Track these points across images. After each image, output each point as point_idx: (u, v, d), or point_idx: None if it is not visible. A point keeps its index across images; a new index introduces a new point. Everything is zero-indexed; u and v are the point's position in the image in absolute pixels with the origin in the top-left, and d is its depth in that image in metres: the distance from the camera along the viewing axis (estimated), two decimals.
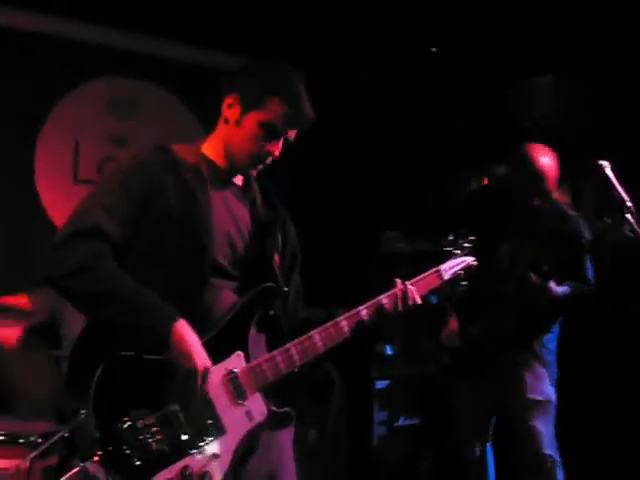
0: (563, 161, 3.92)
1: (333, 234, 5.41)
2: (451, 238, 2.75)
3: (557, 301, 3.80)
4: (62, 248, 2.28)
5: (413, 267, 4.98)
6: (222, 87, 2.50)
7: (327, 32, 5.21)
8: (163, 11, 5.00)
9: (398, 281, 2.55)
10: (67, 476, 2.96)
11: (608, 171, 3.20)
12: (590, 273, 3.91)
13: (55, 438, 3.16)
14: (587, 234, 3.92)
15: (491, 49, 5.26)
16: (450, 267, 2.66)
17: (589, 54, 5.02)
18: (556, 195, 4.14)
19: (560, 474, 3.83)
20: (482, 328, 3.92)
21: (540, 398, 3.88)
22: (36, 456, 3.15)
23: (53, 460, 3.26)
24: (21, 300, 3.82)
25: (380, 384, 5.33)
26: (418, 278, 2.59)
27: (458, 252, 2.71)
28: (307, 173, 5.17)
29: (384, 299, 2.50)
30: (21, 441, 3.27)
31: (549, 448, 3.83)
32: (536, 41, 5.08)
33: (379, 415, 5.28)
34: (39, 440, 3.24)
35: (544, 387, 3.91)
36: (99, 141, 5.19)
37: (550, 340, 3.95)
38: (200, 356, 2.25)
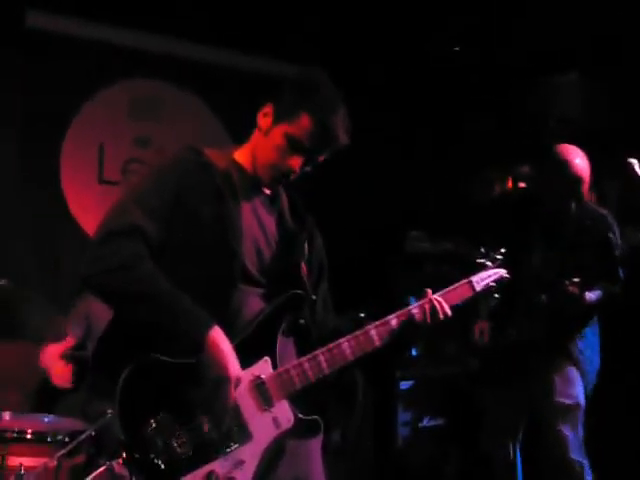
0: (589, 160, 3.87)
1: (358, 234, 5.40)
2: (483, 249, 2.72)
3: (590, 306, 3.77)
4: (102, 246, 2.26)
5: (437, 267, 5.00)
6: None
7: (346, 31, 5.20)
8: (184, 12, 5.03)
9: (429, 292, 2.49)
10: (94, 474, 2.99)
11: (637, 169, 3.18)
12: (622, 274, 3.86)
13: (82, 437, 3.18)
14: (617, 232, 3.85)
15: (515, 47, 5.22)
16: (482, 279, 2.60)
17: (615, 51, 4.98)
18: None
19: (589, 479, 3.79)
20: (514, 333, 3.89)
21: (569, 402, 3.84)
22: (63, 455, 3.17)
23: (80, 459, 3.28)
24: None
25: (404, 385, 5.32)
26: (449, 289, 2.53)
27: (490, 264, 2.67)
28: (331, 173, 5.16)
29: (414, 309, 2.45)
30: (49, 440, 3.29)
31: (576, 453, 3.79)
32: (561, 38, 5.04)
33: (403, 416, 5.27)
34: (66, 439, 3.26)
35: (573, 391, 3.86)
36: (123, 142, 5.23)
37: (587, 346, 3.90)
38: (233, 365, 2.22)
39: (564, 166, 3.74)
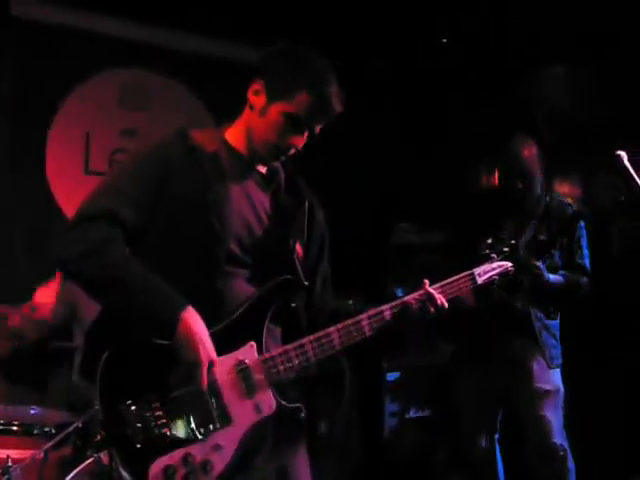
0: (577, 152, 3.89)
1: (347, 224, 5.39)
2: (489, 241, 2.66)
3: (550, 288, 3.83)
4: (73, 231, 2.26)
5: (426, 258, 5.01)
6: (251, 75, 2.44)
7: (343, 25, 5.18)
8: (173, 2, 4.99)
9: (426, 283, 2.45)
10: (81, 467, 2.98)
11: (626, 161, 3.18)
12: (587, 262, 3.96)
13: (69, 429, 3.17)
14: (583, 224, 4.02)
15: (503, 40, 5.23)
16: (485, 271, 2.56)
17: (602, 43, 4.99)
18: (565, 188, 4.16)
19: (571, 463, 3.83)
20: (494, 313, 3.91)
21: (548, 387, 3.87)
22: (51, 447, 3.15)
23: (67, 450, 3.27)
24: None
25: (391, 376, 5.33)
26: (448, 281, 2.49)
27: (495, 256, 2.62)
28: (321, 165, 5.16)
29: (410, 300, 2.42)
30: (36, 432, 3.27)
31: (559, 437, 3.83)
32: (548, 31, 5.05)
33: (390, 407, 5.28)
34: (53, 431, 3.25)
35: (552, 376, 3.91)
36: (110, 133, 5.20)
37: (549, 336, 3.95)
38: (205, 348, 2.20)
39: (508, 151, 4.02)
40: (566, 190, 4.98)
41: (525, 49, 5.24)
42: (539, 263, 3.78)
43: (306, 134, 2.40)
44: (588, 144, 4.89)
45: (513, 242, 2.68)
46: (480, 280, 2.55)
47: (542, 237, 3.93)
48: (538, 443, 3.84)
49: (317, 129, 2.41)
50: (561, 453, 3.80)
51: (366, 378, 5.18)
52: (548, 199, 4.05)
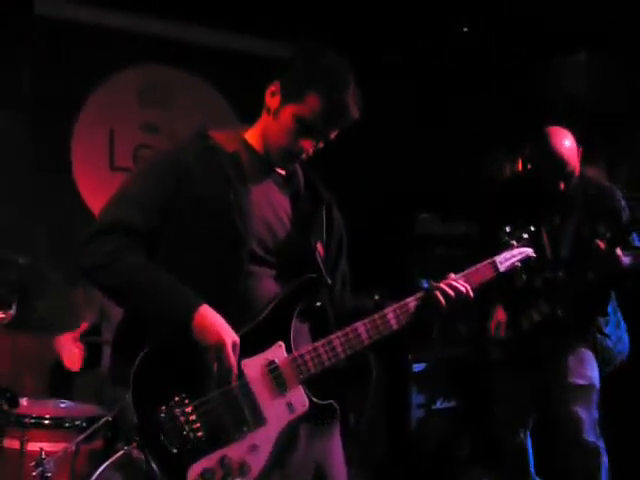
0: (598, 138, 3.86)
1: (369, 216, 5.40)
2: (508, 228, 2.65)
3: (626, 270, 3.63)
4: (89, 243, 2.29)
5: (449, 249, 5.00)
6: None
7: (358, 12, 5.18)
8: None
9: (451, 274, 2.45)
10: (112, 459, 3.01)
11: None
12: (637, 243, 3.75)
13: (100, 422, 3.21)
14: (624, 202, 3.84)
15: (524, 26, 5.20)
16: (506, 259, 2.55)
17: (623, 31, 4.95)
18: (591, 172, 4.07)
19: (604, 461, 3.76)
20: (533, 318, 3.82)
21: (582, 382, 3.79)
22: (82, 440, 3.20)
23: (98, 444, 3.31)
24: None
25: (417, 367, 5.33)
26: (471, 270, 2.48)
27: (515, 243, 2.61)
28: (342, 156, 5.16)
29: (435, 291, 2.41)
30: (67, 425, 3.32)
31: (590, 434, 3.76)
32: (570, 18, 5.02)
33: (417, 398, 5.28)
34: (84, 424, 3.29)
35: (588, 371, 3.82)
36: (133, 128, 5.23)
37: (609, 324, 3.86)
38: (225, 330, 2.21)
39: (548, 149, 3.74)
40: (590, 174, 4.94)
41: (545, 36, 5.21)
42: (619, 252, 3.55)
43: (317, 139, 2.37)
44: (611, 131, 4.86)
45: (532, 228, 2.66)
46: (502, 267, 2.54)
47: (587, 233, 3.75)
48: (568, 439, 3.79)
49: (331, 134, 2.38)
50: (592, 450, 3.74)
51: (392, 370, 5.18)
52: (583, 183, 3.85)
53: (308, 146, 2.36)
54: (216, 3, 5.04)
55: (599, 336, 3.83)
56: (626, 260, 3.61)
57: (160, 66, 5.31)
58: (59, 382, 3.90)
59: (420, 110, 5.74)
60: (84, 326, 3.86)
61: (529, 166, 3.93)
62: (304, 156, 2.40)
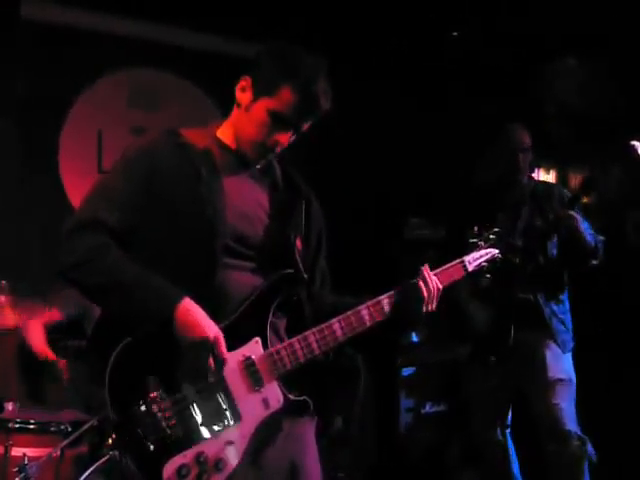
0: (590, 145, 3.87)
1: (359, 219, 5.40)
2: (476, 229, 2.70)
3: (583, 241, 3.84)
4: (66, 242, 2.28)
5: (438, 253, 4.99)
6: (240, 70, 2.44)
7: (348, 14, 5.18)
8: (185, 1, 5.00)
9: (423, 268, 2.47)
10: (97, 464, 2.99)
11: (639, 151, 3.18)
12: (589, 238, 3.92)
13: (85, 427, 3.18)
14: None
15: (514, 33, 5.21)
16: (475, 259, 2.59)
17: (613, 35, 4.96)
18: (579, 180, 4.20)
19: (590, 449, 3.82)
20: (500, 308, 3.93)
21: (561, 376, 3.88)
22: (67, 445, 3.17)
23: (84, 448, 3.29)
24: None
25: (406, 371, 5.33)
26: (442, 269, 2.51)
27: (482, 244, 2.66)
28: (332, 158, 5.16)
29: (406, 287, 2.42)
30: (52, 430, 3.30)
31: (572, 425, 3.83)
32: (560, 23, 5.03)
33: (405, 402, 5.28)
34: (69, 429, 3.27)
35: (565, 365, 3.92)
36: (121, 131, 5.22)
37: (564, 311, 3.99)
38: (209, 325, 2.20)
39: (503, 141, 4.11)
40: (579, 183, 4.96)
41: (535, 41, 5.22)
42: (573, 212, 3.80)
43: (292, 132, 2.37)
44: (601, 136, 4.87)
45: (497, 229, 2.71)
46: (471, 267, 2.58)
47: (538, 222, 3.97)
48: (551, 430, 3.84)
49: (304, 127, 2.39)
50: (575, 441, 3.80)
51: (381, 374, 5.18)
52: (532, 183, 4.17)
53: (282, 139, 2.37)
54: (204, 6, 5.03)
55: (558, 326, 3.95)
56: (585, 227, 3.84)
57: (148, 69, 5.31)
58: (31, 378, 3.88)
59: (411, 113, 5.73)
60: (56, 315, 3.84)
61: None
62: (278, 149, 2.40)
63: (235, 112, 2.43)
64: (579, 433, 3.83)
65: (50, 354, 3.81)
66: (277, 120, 2.33)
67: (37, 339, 3.81)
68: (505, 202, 4.08)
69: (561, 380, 3.88)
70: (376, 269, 5.01)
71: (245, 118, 2.38)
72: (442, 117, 5.67)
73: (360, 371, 4.85)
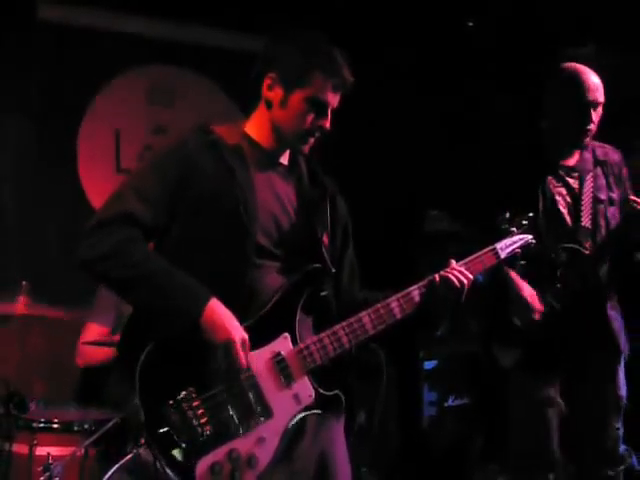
0: (605, 134, 3.77)
1: (379, 214, 5.38)
2: (507, 215, 2.65)
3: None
4: (95, 234, 2.27)
5: (458, 246, 4.96)
6: (257, 66, 2.46)
7: (360, 11, 5.16)
8: None
9: (452, 261, 2.46)
10: (121, 462, 3.01)
11: None
12: None
13: (109, 425, 3.20)
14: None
15: (531, 21, 5.16)
16: (507, 245, 2.56)
17: (632, 24, 4.91)
18: None
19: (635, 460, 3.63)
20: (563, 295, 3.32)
21: (623, 395, 3.40)
22: (91, 443, 3.19)
23: (108, 447, 3.30)
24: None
25: (429, 364, 5.31)
26: (472, 257, 2.49)
27: (514, 230, 2.61)
28: (351, 154, 5.14)
29: (436, 278, 2.41)
30: (76, 429, 3.31)
31: (622, 446, 3.43)
32: (578, 11, 4.98)
33: (428, 395, 5.26)
34: (93, 428, 3.28)
35: (624, 382, 3.43)
36: (139, 130, 5.23)
37: (618, 315, 3.44)
38: (235, 327, 2.21)
39: (574, 86, 3.32)
40: None
41: (554, 32, 5.17)
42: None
43: (330, 112, 2.43)
44: (623, 121, 4.82)
45: (531, 215, 2.64)
46: (503, 254, 2.55)
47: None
48: (609, 455, 3.36)
49: (336, 103, 2.44)
50: (627, 455, 3.47)
51: (404, 367, 5.16)
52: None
53: (325, 123, 2.42)
54: (221, 3, 5.03)
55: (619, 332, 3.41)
56: None
57: (166, 67, 5.30)
58: (86, 387, 3.88)
59: (430, 107, 5.70)
60: (103, 331, 3.84)
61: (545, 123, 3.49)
62: (319, 133, 2.44)
63: (268, 110, 2.44)
64: (626, 448, 3.43)
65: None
66: (317, 106, 2.39)
67: (95, 354, 3.78)
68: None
69: (623, 399, 3.39)
70: (395, 263, 5.00)
71: (283, 113, 2.41)
72: (463, 110, 5.64)
73: (383, 366, 4.84)
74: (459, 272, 2.42)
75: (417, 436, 5.24)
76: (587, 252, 3.32)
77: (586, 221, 3.36)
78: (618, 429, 3.39)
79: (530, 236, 2.62)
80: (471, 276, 2.44)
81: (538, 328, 3.29)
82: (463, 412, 5.29)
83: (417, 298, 2.41)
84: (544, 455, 3.35)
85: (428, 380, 5.28)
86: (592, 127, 3.33)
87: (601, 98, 3.34)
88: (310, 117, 2.39)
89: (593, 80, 3.34)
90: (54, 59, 4.91)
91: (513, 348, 3.38)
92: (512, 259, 2.58)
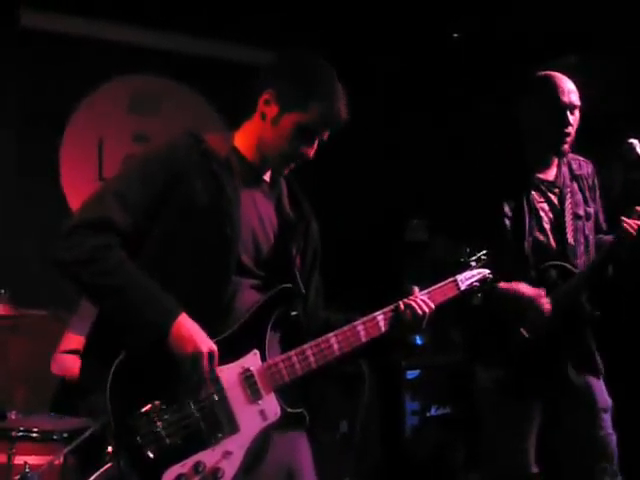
0: (589, 142, 3.79)
1: (361, 221, 5.40)
2: (468, 249, 2.72)
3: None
4: (72, 236, 2.25)
5: (432, 256, 4.96)
6: (259, 80, 2.44)
7: (346, 19, 5.18)
8: (180, 6, 5.00)
9: (415, 289, 2.52)
10: (100, 471, 2.99)
11: (638, 149, 3.14)
12: None
13: (87, 434, 3.18)
14: None
15: (513, 31, 5.20)
16: (467, 278, 2.63)
17: (614, 34, 4.95)
18: None
19: None
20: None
21: (610, 403, 3.36)
22: (69, 452, 3.17)
23: (86, 456, 3.28)
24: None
25: (411, 374, 5.32)
26: (435, 287, 2.56)
27: (474, 264, 2.68)
28: (332, 163, 5.14)
29: (400, 306, 2.47)
30: (55, 438, 3.29)
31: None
32: (559, 21, 5.02)
33: (411, 405, 5.27)
34: (71, 436, 3.26)
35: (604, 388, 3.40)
36: (122, 139, 5.23)
37: None
38: (203, 340, 2.22)
39: (550, 90, 3.30)
40: None
41: (534, 39, 5.20)
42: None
43: (317, 142, 2.43)
44: (602, 134, 4.85)
45: (489, 251, 2.70)
46: (463, 286, 2.62)
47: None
48: (607, 463, 3.29)
49: (326, 137, 2.44)
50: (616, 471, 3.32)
51: (386, 377, 5.17)
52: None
53: (309, 152, 2.42)
54: (202, 12, 5.04)
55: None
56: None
57: (148, 76, 5.31)
58: (64, 395, 3.86)
59: (411, 117, 5.73)
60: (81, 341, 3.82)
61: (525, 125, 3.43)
62: (301, 161, 2.44)
63: (258, 124, 2.43)
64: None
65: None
66: (305, 134, 2.38)
67: (74, 364, 3.74)
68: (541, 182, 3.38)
69: (609, 405, 3.34)
70: (377, 271, 5.01)
71: (272, 131, 2.40)
72: (445, 119, 5.67)
73: (365, 375, 4.84)
74: (422, 301, 2.48)
75: (399, 445, 5.24)
76: (575, 270, 3.32)
77: (570, 238, 3.36)
78: (610, 434, 3.30)
79: (488, 271, 2.70)
80: (433, 305, 2.49)
81: (546, 330, 3.22)
82: (445, 422, 5.29)
83: (382, 322, 2.46)
84: (519, 470, 3.33)
85: (410, 389, 5.28)
86: (570, 130, 3.31)
87: (577, 101, 3.32)
88: (296, 142, 2.38)
89: (568, 84, 3.35)
90: (37, 67, 4.90)
91: (495, 369, 3.32)
92: (470, 292, 2.65)
